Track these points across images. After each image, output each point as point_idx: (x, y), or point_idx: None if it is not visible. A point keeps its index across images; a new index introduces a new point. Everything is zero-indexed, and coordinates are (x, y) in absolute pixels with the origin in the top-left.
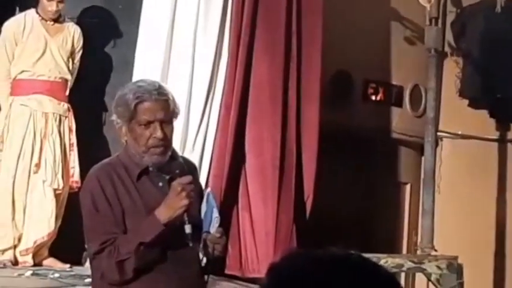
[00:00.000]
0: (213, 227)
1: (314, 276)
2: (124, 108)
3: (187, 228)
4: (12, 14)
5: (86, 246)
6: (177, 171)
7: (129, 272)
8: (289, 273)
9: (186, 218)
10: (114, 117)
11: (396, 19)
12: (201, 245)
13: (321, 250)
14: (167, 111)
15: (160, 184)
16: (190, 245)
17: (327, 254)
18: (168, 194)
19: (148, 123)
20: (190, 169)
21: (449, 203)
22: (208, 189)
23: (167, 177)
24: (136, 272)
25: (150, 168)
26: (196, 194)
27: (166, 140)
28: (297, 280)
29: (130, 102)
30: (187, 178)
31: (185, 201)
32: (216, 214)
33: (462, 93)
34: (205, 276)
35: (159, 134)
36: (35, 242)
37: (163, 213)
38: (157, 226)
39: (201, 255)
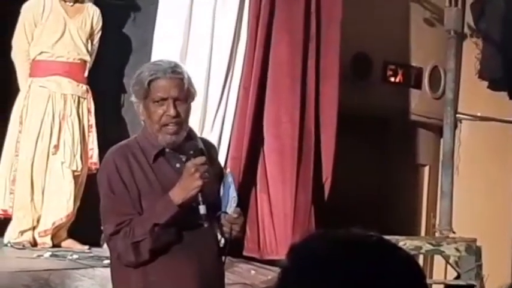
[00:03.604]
0: (231, 207)
1: (335, 256)
2: (139, 86)
3: (202, 209)
4: None
5: (102, 227)
6: (191, 151)
7: (144, 253)
8: (310, 254)
9: (200, 199)
10: (132, 96)
11: (416, 0)
12: (218, 225)
13: (341, 231)
14: (181, 89)
15: (178, 165)
16: (205, 225)
17: (347, 234)
18: (182, 175)
19: (162, 100)
20: (208, 148)
21: (468, 184)
22: (228, 169)
23: (184, 158)
24: (152, 254)
25: (166, 150)
26: (215, 173)
27: (179, 118)
28: (318, 261)
29: (145, 80)
30: (201, 159)
31: (199, 182)
32: (233, 194)
33: (481, 75)
34: (223, 257)
35: (172, 111)
36: (53, 224)
37: (177, 194)
38: (172, 207)
39: (219, 236)
